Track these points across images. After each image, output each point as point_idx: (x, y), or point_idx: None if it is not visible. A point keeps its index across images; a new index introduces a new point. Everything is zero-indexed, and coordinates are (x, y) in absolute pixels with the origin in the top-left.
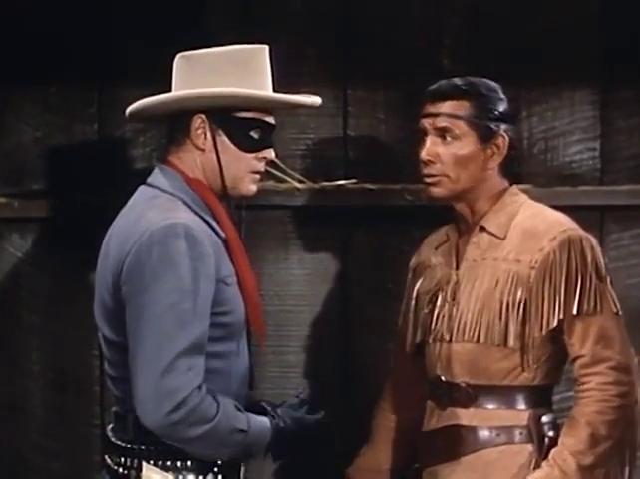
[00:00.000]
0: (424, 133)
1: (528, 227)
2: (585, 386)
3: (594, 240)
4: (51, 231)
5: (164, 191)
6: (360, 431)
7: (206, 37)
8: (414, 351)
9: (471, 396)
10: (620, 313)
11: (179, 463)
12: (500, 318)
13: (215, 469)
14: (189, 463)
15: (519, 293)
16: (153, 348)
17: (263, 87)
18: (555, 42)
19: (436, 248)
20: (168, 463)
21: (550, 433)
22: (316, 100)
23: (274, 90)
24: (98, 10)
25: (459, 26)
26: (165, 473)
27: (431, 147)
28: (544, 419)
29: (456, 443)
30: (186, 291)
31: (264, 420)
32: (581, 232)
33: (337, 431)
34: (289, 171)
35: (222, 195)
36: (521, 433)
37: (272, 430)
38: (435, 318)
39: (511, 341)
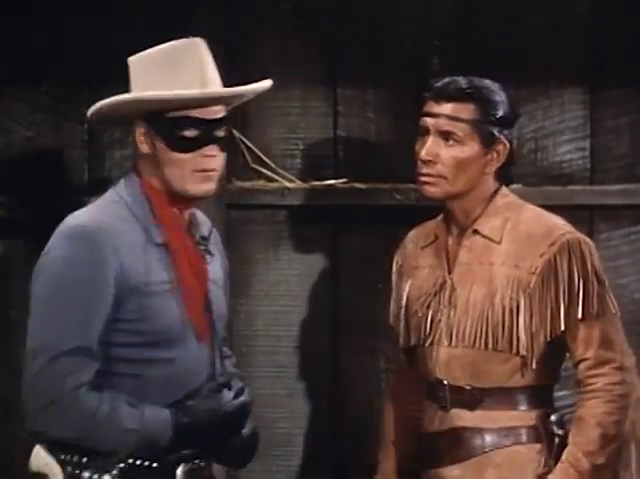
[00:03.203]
0: (426, 132)
1: (525, 231)
2: (592, 387)
3: (592, 243)
4: (41, 231)
5: (115, 192)
6: (350, 429)
7: (194, 37)
8: (406, 353)
9: (476, 399)
10: (618, 314)
11: (75, 458)
12: (503, 324)
13: (114, 471)
14: (84, 459)
15: (521, 299)
16: (34, 347)
17: (195, 82)
18: (544, 41)
19: (422, 248)
20: (62, 456)
21: (560, 431)
22: (254, 87)
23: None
24: (88, 10)
25: (447, 26)
26: (52, 461)
27: (432, 147)
28: (552, 418)
29: (463, 445)
30: (75, 294)
31: (162, 417)
32: (579, 235)
33: (328, 429)
34: (279, 170)
35: (176, 199)
36: (529, 433)
37: (173, 426)
38: (430, 322)
39: (515, 348)
